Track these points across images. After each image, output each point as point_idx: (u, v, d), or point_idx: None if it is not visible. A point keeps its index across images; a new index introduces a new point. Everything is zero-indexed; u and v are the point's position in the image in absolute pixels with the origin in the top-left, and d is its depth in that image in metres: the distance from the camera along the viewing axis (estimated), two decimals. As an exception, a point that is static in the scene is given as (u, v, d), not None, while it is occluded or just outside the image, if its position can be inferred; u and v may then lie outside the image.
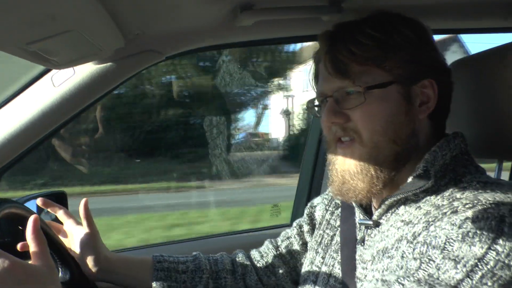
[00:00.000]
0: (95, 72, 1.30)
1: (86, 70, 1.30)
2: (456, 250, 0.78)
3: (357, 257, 1.06)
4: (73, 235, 1.28)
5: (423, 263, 0.80)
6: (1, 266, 0.79)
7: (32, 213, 1.14)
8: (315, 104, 1.12)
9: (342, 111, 1.00)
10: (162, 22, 1.27)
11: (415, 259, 0.82)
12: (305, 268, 1.23)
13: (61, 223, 1.33)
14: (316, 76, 1.11)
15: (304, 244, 1.33)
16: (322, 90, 1.05)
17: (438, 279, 0.77)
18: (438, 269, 0.78)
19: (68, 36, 0.97)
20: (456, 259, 0.77)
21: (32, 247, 0.90)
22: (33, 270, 0.85)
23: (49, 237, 1.18)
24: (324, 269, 1.15)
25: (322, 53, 1.03)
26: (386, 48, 0.96)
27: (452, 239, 0.80)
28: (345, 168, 1.02)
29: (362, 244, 1.05)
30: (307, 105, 1.14)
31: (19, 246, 1.18)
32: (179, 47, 1.43)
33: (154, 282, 1.26)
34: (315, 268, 1.18)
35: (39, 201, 1.26)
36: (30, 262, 0.89)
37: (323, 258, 1.17)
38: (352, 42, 0.97)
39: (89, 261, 1.23)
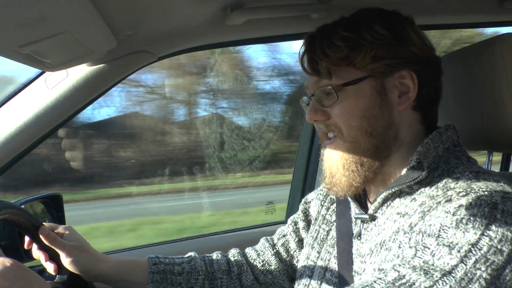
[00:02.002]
0: (88, 73, 1.31)
1: (79, 72, 1.31)
2: (450, 237, 0.80)
3: (354, 251, 1.07)
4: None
5: (418, 250, 0.82)
6: (4, 265, 0.82)
7: (29, 216, 1.15)
8: (306, 102, 1.15)
9: (322, 109, 1.04)
10: (153, 23, 1.28)
11: (410, 247, 0.84)
12: (301, 263, 1.24)
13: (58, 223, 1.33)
14: None
15: (300, 241, 1.34)
16: (306, 87, 1.10)
17: (433, 265, 0.78)
18: (433, 256, 0.79)
19: (61, 38, 0.98)
20: (451, 245, 0.79)
21: None
22: (30, 271, 0.86)
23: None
24: (320, 263, 1.16)
25: (302, 54, 1.07)
26: (355, 47, 0.99)
27: (446, 226, 0.82)
28: (330, 164, 1.07)
29: (359, 238, 1.07)
30: (301, 102, 1.17)
31: (26, 244, 1.20)
32: (171, 47, 1.44)
33: (150, 285, 1.26)
34: (310, 263, 1.19)
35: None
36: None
37: (318, 252, 1.19)
38: (326, 44, 1.01)
39: (78, 272, 1.22)
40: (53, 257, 1.21)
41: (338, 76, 1.01)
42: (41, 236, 1.17)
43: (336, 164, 1.05)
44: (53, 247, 1.19)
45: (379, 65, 1.00)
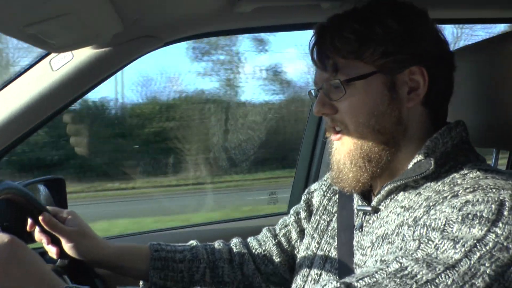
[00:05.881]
0: (94, 56, 1.30)
1: (84, 55, 1.30)
2: (455, 231, 0.79)
3: (354, 243, 1.06)
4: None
5: (422, 243, 0.81)
6: (2, 240, 0.80)
7: (32, 198, 1.15)
8: (314, 94, 1.13)
9: (330, 102, 1.03)
10: (160, 8, 1.27)
11: (414, 240, 0.83)
12: (300, 253, 1.23)
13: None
14: None
15: (302, 231, 1.34)
16: (315, 80, 1.09)
17: (436, 258, 0.77)
18: (437, 249, 0.78)
19: (66, 19, 0.97)
20: (455, 239, 0.78)
21: None
22: (29, 250, 0.84)
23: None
24: (319, 254, 1.15)
25: (311, 46, 1.06)
26: (365, 40, 0.97)
27: (451, 221, 0.81)
28: (338, 158, 1.05)
29: (360, 230, 1.06)
30: (309, 94, 1.16)
31: (28, 227, 1.20)
32: (178, 33, 1.43)
33: (151, 271, 1.27)
34: (310, 253, 1.18)
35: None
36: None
37: (318, 243, 1.18)
38: (336, 36, 0.99)
39: (79, 257, 1.23)
40: (55, 240, 1.21)
41: (346, 70, 0.99)
42: (41, 222, 1.17)
43: (344, 159, 1.03)
44: (53, 233, 1.19)
45: (388, 61, 0.97)
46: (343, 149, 1.03)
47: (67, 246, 1.21)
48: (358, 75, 0.98)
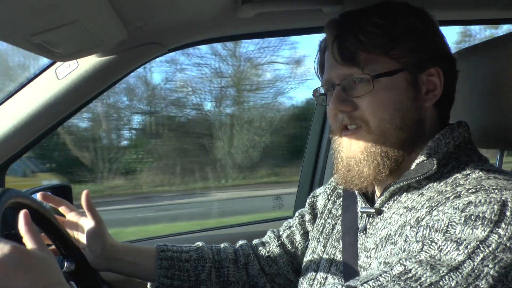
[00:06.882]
0: (99, 64, 1.32)
1: (89, 63, 1.31)
2: (458, 233, 0.79)
3: (359, 245, 1.07)
4: (77, 226, 1.29)
5: (425, 245, 0.81)
6: (3, 252, 0.73)
7: (39, 205, 1.15)
8: (321, 92, 1.12)
9: (350, 99, 1.01)
10: (164, 14, 1.28)
11: (417, 241, 0.83)
12: (306, 257, 1.24)
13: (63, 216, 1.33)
14: (322, 65, 1.12)
15: (306, 234, 1.35)
16: (328, 78, 1.06)
17: (439, 260, 0.77)
18: (440, 251, 0.78)
19: (71, 27, 0.99)
20: (458, 241, 0.78)
21: (28, 238, 0.82)
22: (36, 255, 0.78)
23: (55, 228, 1.19)
24: (325, 257, 1.16)
25: (329, 41, 1.03)
26: (392, 36, 0.97)
27: (454, 222, 0.81)
28: (351, 155, 1.03)
29: (364, 232, 1.06)
30: (313, 94, 1.14)
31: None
32: (181, 40, 1.44)
33: (158, 270, 1.28)
34: (316, 257, 1.19)
35: (39, 195, 1.24)
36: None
37: (324, 247, 1.18)
38: (359, 30, 0.98)
39: (96, 248, 1.25)
40: (60, 249, 1.22)
41: (371, 65, 0.98)
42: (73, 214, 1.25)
43: (359, 155, 1.01)
44: (90, 213, 1.24)
45: (413, 58, 0.98)
46: (357, 146, 1.02)
47: (94, 233, 1.25)
48: (386, 71, 0.97)
